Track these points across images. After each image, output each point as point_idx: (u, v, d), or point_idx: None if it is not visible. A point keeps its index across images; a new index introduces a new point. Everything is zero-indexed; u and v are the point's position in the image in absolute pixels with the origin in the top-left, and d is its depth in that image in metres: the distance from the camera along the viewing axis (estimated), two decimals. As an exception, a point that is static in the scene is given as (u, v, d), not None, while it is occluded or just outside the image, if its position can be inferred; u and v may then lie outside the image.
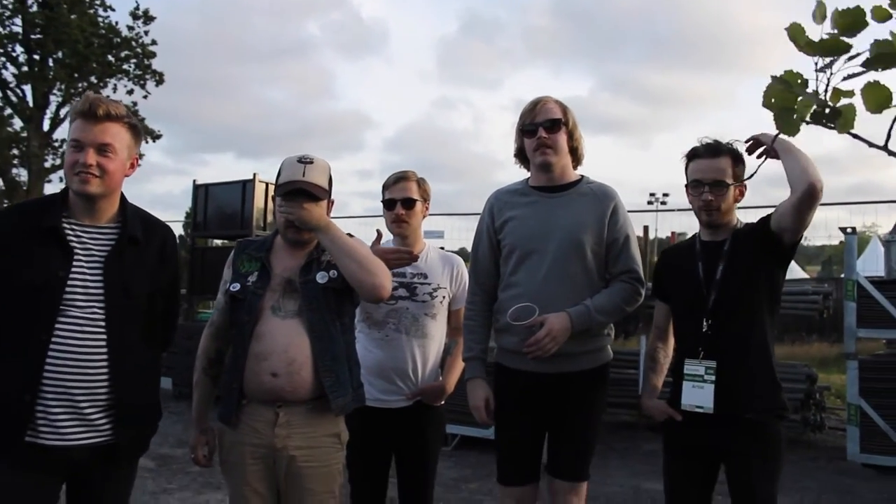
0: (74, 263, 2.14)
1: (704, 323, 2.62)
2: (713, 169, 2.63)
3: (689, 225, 8.86)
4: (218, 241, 11.12)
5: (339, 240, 2.40)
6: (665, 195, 32.71)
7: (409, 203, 3.02)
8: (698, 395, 2.61)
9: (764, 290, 2.62)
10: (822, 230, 9.38)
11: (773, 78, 1.29)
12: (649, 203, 32.16)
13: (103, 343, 2.14)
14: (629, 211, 2.90)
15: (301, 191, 2.39)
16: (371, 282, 2.37)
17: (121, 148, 2.18)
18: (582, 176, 2.87)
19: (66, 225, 2.17)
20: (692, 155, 2.69)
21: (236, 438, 2.43)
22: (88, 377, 2.12)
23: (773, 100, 1.31)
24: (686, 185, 2.72)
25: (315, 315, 2.42)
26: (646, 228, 9.19)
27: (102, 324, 2.14)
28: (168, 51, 24.09)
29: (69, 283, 2.12)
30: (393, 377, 2.95)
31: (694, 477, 2.68)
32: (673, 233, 9.22)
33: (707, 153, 2.65)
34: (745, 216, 2.77)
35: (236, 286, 2.48)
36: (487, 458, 5.72)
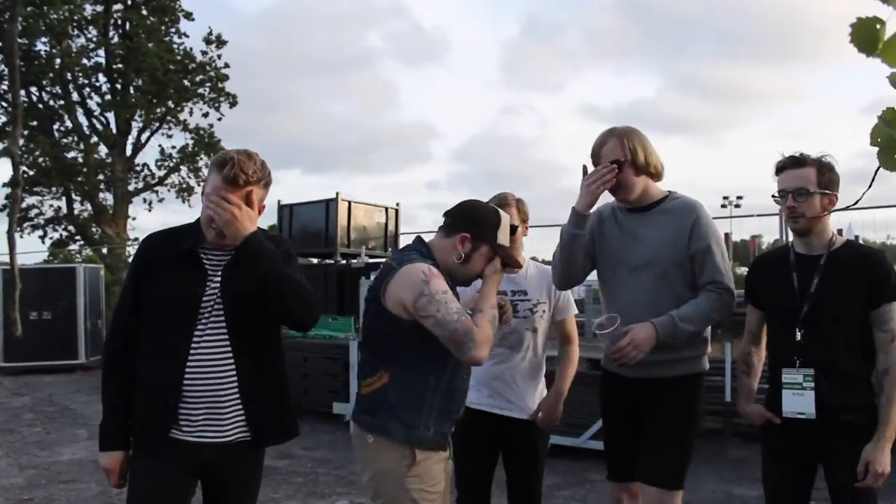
0: (208, 282, 2.37)
1: (798, 332, 2.73)
2: (796, 177, 2.73)
3: (769, 228, 8.78)
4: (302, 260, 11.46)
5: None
6: (739, 198, 31.98)
7: (512, 230, 3.20)
8: (799, 402, 2.70)
9: (859, 305, 2.68)
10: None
11: (879, 118, 1.40)
12: (723, 206, 31.42)
13: (228, 348, 2.36)
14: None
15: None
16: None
17: (254, 203, 2.37)
18: (669, 192, 3.00)
19: (200, 250, 2.40)
20: (778, 169, 2.80)
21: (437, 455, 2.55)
22: (220, 380, 2.34)
23: (878, 139, 1.42)
24: (774, 198, 2.83)
25: None
26: (727, 235, 9.13)
27: (225, 331, 2.36)
28: (233, 69, 24.77)
29: (204, 299, 2.36)
30: (496, 386, 3.21)
31: (793, 480, 2.78)
32: (752, 237, 9.13)
33: (791, 164, 2.75)
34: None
35: None
36: (579, 466, 5.88)
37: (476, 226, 2.58)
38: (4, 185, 23.88)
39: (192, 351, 2.33)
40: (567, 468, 5.91)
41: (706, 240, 2.87)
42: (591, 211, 2.97)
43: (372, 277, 7.96)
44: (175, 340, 2.33)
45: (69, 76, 23.58)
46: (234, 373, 2.36)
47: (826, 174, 2.72)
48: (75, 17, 23.51)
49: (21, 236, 24.50)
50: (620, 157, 2.87)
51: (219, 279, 2.39)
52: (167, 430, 2.32)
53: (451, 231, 2.58)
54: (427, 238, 2.66)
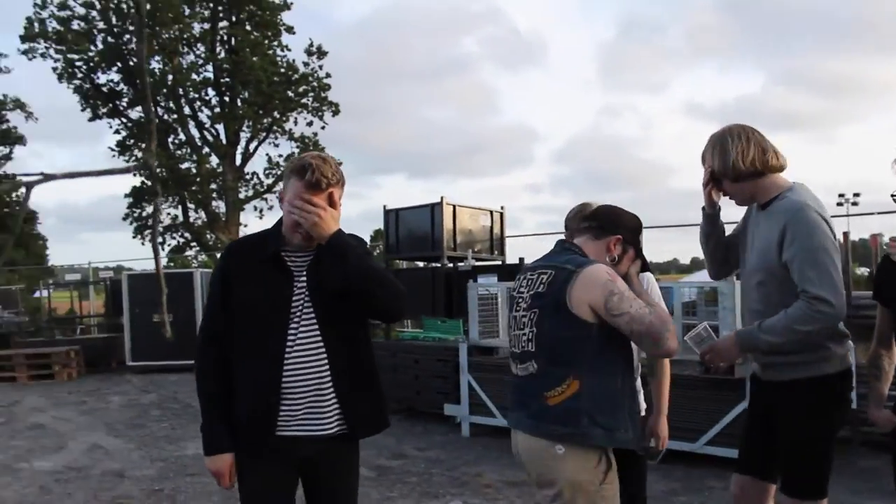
0: (295, 282, 2.43)
1: None
2: None
3: (892, 226, 8.36)
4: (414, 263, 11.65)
5: None
6: (856, 195, 30.51)
7: None
8: None
9: None
10: None
11: None
12: (839, 205, 29.98)
13: (320, 344, 2.41)
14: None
15: None
16: None
17: (336, 203, 2.43)
18: (791, 186, 2.83)
19: (283, 253, 2.46)
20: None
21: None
22: (317, 376, 2.40)
23: None
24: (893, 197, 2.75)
25: None
26: (845, 235, 8.74)
27: (317, 328, 2.42)
28: (334, 78, 25.55)
29: (293, 299, 2.42)
30: None
31: None
32: (873, 235, 8.70)
33: None
34: None
35: None
36: (697, 472, 5.74)
37: (626, 230, 2.66)
38: (126, 195, 25.49)
39: (287, 350, 2.39)
40: (684, 474, 5.77)
41: (793, 247, 2.67)
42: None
43: (479, 280, 8.04)
44: (270, 341, 2.39)
45: (181, 91, 24.76)
46: (328, 368, 2.41)
47: None
48: (185, 36, 24.71)
49: (142, 243, 25.96)
50: (713, 167, 2.84)
51: (304, 279, 2.45)
52: (272, 428, 2.39)
53: (601, 234, 2.64)
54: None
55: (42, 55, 24.09)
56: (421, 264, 11.12)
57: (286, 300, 2.42)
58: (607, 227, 2.64)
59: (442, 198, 9.47)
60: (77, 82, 24.54)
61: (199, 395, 2.51)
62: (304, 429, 2.41)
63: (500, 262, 9.90)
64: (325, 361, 2.41)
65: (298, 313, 2.42)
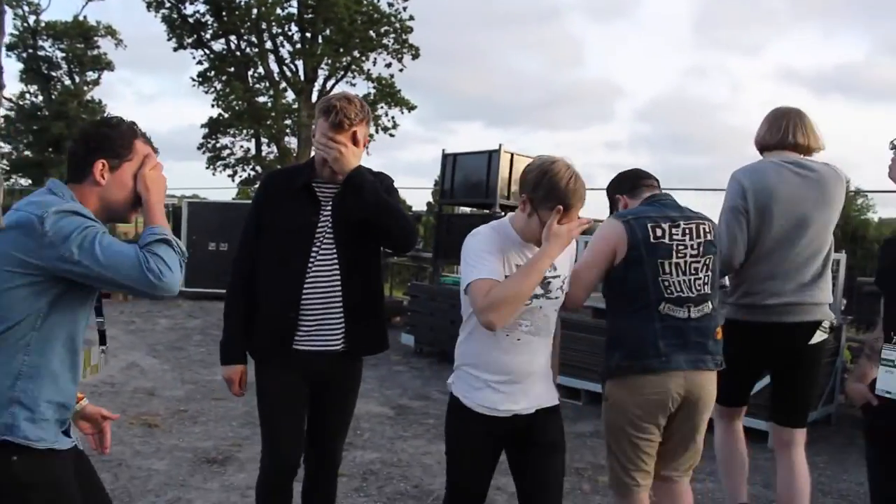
0: (321, 211, 2.67)
1: None
2: None
3: None
4: (466, 210, 11.54)
5: None
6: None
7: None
8: (889, 381, 2.55)
9: None
10: None
11: None
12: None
13: (336, 267, 2.64)
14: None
15: None
16: None
17: (359, 141, 2.61)
18: None
19: (314, 184, 2.68)
20: None
21: None
22: (330, 297, 2.64)
23: None
24: None
25: None
26: None
27: (335, 254, 2.65)
28: (418, 21, 25.33)
29: (318, 226, 2.66)
30: (517, 381, 2.50)
31: (890, 463, 2.56)
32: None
33: None
34: None
35: None
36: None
37: None
38: (202, 125, 25.98)
39: (307, 270, 2.62)
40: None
41: None
42: None
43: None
44: (293, 261, 2.63)
45: (264, 25, 24.91)
46: (340, 291, 2.64)
47: None
48: (273, -32, 24.72)
49: (213, 174, 26.66)
50: None
51: (329, 209, 2.67)
52: (290, 340, 2.62)
53: None
54: None
55: (133, -19, 24.61)
56: (469, 210, 10.94)
57: (312, 226, 2.64)
58: None
59: (500, 145, 9.25)
60: (165, 11, 25.00)
61: (226, 309, 2.78)
62: (316, 343, 2.63)
63: (553, 215, 9.66)
64: (339, 283, 2.64)
65: (321, 238, 2.64)
